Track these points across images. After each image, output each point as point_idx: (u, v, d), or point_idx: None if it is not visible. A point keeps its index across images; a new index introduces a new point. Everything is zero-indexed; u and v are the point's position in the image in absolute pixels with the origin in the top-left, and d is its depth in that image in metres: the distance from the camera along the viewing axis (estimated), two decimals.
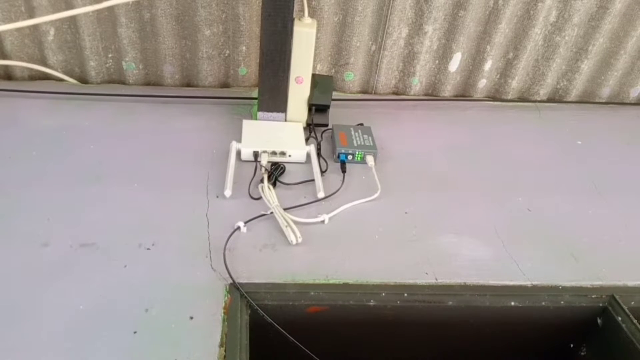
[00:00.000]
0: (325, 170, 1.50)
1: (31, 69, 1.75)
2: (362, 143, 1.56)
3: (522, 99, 2.05)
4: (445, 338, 1.27)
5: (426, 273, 1.21)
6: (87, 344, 0.96)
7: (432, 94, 2.00)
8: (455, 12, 1.79)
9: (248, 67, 1.85)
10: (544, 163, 1.67)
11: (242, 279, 1.12)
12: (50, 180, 1.34)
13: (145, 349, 0.96)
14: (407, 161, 1.59)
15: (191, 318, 1.03)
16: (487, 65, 1.92)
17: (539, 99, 2.03)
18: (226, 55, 1.82)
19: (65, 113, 1.61)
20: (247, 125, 1.59)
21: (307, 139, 1.60)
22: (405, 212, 1.39)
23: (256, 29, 1.76)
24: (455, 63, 1.91)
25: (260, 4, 1.43)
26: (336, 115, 1.70)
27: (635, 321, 1.17)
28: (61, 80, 1.78)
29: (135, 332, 0.99)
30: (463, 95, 2.02)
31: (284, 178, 1.45)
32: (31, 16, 1.63)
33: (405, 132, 1.74)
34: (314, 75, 1.61)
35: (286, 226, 1.25)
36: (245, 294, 1.08)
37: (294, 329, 1.08)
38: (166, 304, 1.05)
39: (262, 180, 1.39)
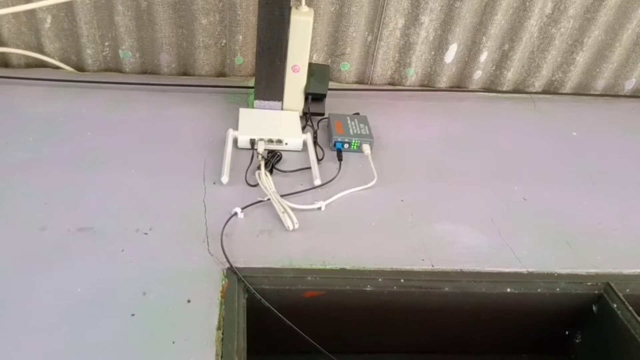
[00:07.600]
0: (322, 159, 1.50)
1: (28, 57, 1.75)
2: (359, 132, 1.56)
3: (517, 90, 2.05)
4: (441, 324, 1.28)
5: (422, 259, 1.22)
6: (86, 326, 0.96)
7: (427, 85, 2.00)
8: (452, 3, 1.79)
9: (244, 57, 1.85)
10: (540, 154, 1.68)
11: (239, 263, 1.12)
12: (48, 165, 1.34)
13: (143, 331, 0.97)
14: (403, 150, 1.60)
15: (189, 301, 1.03)
16: (483, 57, 1.93)
17: (534, 90, 2.04)
18: (223, 44, 1.81)
19: (62, 100, 1.61)
20: (244, 113, 1.59)
21: (303, 128, 1.60)
22: (402, 200, 1.39)
23: (253, 18, 1.75)
24: (451, 54, 1.92)
25: None
26: (332, 106, 1.69)
27: (631, 308, 1.18)
28: (58, 68, 1.77)
29: (133, 315, 0.99)
30: (458, 86, 2.03)
31: (281, 165, 1.45)
32: (28, 2, 1.62)
33: (401, 122, 1.75)
34: (310, 64, 1.61)
35: (283, 212, 1.26)
36: (242, 278, 1.09)
37: (291, 313, 1.09)
38: (164, 288, 1.05)
39: (259, 168, 1.39)
